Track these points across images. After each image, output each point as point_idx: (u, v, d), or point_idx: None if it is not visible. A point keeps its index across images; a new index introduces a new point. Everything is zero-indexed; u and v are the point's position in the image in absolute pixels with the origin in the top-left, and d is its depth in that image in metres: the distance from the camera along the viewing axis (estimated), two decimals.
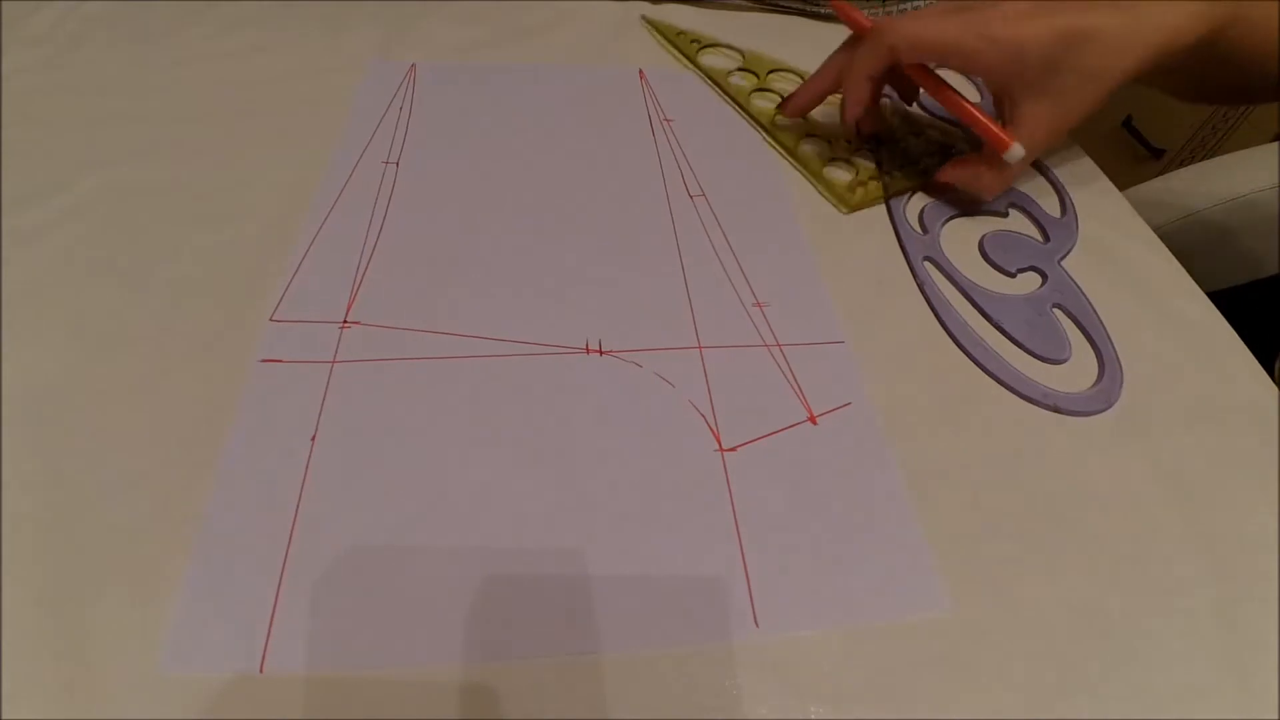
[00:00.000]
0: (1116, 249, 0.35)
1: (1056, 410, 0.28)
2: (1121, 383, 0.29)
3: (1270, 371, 0.30)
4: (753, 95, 0.42)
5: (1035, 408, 0.28)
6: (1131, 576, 0.24)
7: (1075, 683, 0.21)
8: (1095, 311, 0.32)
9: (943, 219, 0.35)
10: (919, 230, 0.35)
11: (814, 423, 0.27)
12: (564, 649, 0.21)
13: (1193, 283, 0.34)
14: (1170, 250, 0.35)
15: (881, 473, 0.26)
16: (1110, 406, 0.28)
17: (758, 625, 0.22)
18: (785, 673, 0.21)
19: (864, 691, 0.21)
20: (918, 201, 0.36)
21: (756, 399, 0.27)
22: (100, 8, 0.42)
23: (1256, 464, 0.27)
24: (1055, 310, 0.32)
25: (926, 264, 0.33)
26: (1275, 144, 0.50)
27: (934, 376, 0.29)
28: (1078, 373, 0.30)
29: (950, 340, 0.30)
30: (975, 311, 0.32)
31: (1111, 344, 0.30)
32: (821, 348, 0.29)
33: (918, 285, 0.32)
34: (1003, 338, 0.31)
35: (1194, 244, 0.48)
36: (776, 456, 0.26)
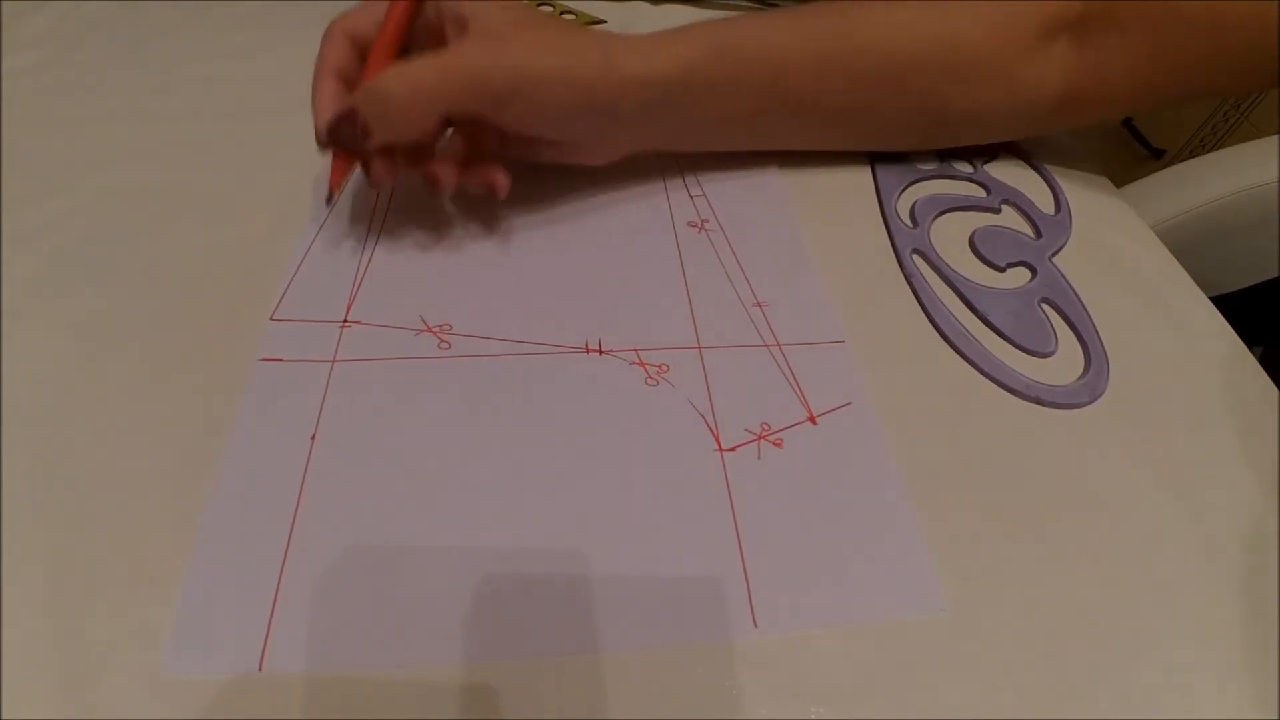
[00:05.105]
0: (1112, 246, 0.35)
1: (1038, 402, 0.28)
2: (1108, 377, 0.29)
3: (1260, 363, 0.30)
4: None
5: (1021, 401, 0.28)
6: (1131, 576, 0.24)
7: (1075, 683, 0.21)
8: (1084, 307, 0.32)
9: (933, 213, 0.36)
10: (908, 224, 0.35)
11: (814, 423, 0.27)
12: (564, 649, 0.21)
13: (1189, 278, 0.34)
14: (1170, 246, 0.35)
15: (881, 472, 0.26)
16: (1095, 400, 0.28)
17: (756, 625, 0.22)
18: (785, 673, 0.21)
19: (864, 691, 0.21)
20: (909, 196, 0.36)
21: (756, 399, 0.27)
22: (100, 8, 0.42)
23: (1255, 461, 0.27)
24: (1043, 305, 0.32)
25: (915, 257, 0.33)
26: (1275, 137, 0.50)
27: (923, 370, 0.29)
28: (1064, 367, 0.30)
29: (937, 333, 0.30)
30: (962, 304, 0.32)
31: (1099, 339, 0.30)
32: (821, 348, 0.29)
33: (905, 278, 0.32)
34: (989, 330, 0.31)
35: (1194, 239, 0.48)
36: (776, 456, 0.26)
